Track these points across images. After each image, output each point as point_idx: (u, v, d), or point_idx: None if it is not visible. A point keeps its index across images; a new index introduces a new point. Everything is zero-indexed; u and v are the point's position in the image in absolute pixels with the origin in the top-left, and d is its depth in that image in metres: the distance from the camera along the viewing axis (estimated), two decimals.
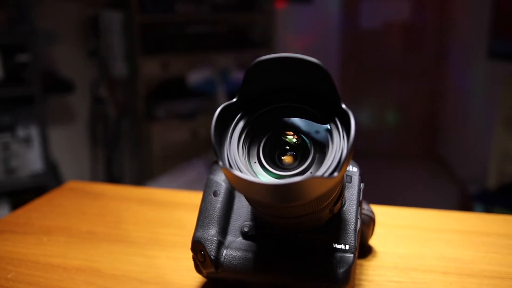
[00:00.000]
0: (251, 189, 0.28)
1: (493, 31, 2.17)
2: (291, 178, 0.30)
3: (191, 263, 0.45)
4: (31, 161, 1.86)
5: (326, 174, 0.29)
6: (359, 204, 0.39)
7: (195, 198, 0.64)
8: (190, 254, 0.47)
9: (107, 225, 0.54)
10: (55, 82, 2.02)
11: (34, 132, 1.84)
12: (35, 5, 1.83)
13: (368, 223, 0.44)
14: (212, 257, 0.36)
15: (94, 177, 2.32)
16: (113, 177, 2.33)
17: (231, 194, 0.40)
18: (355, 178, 0.39)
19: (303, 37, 3.20)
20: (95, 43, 2.16)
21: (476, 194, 2.01)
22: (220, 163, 0.29)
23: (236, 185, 0.29)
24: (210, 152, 2.56)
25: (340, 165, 0.29)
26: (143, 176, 2.41)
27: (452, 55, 3.03)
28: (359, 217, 0.38)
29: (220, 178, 0.40)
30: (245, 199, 0.40)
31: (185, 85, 2.44)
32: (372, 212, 0.45)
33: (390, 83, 3.31)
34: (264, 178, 0.31)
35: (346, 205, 0.38)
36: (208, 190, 0.40)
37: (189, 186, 2.20)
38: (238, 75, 2.64)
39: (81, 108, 2.28)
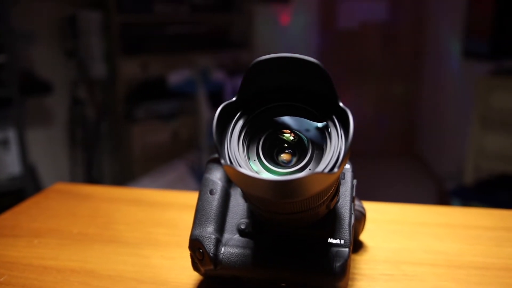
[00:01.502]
0: (254, 186, 0.28)
1: (467, 32, 2.23)
2: (294, 174, 0.30)
3: (186, 262, 0.45)
4: (9, 164, 1.82)
5: (326, 170, 0.30)
6: (352, 200, 0.40)
7: (185, 197, 0.64)
8: (185, 253, 0.47)
9: (99, 226, 0.54)
10: (32, 83, 1.98)
11: (11, 134, 1.80)
12: (11, 5, 1.79)
13: (359, 218, 0.46)
14: (211, 254, 0.37)
15: (73, 179, 2.29)
16: (93, 179, 2.30)
17: (227, 192, 0.41)
18: (348, 175, 0.40)
19: (281, 37, 3.22)
20: (73, 44, 2.12)
21: (453, 190, 2.06)
22: (222, 161, 0.30)
23: (239, 182, 0.29)
24: (191, 152, 2.55)
25: (339, 162, 0.30)
26: (123, 177, 2.39)
27: (428, 54, 3.10)
28: (352, 212, 0.39)
29: (216, 177, 0.41)
30: (241, 197, 0.41)
31: (165, 85, 2.43)
32: (363, 208, 0.46)
33: (367, 83, 3.36)
34: (265, 175, 0.32)
35: (340, 201, 0.39)
36: (204, 188, 0.41)
37: (171, 187, 2.19)
38: (218, 75, 2.64)
39: (60, 109, 2.24)
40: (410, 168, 3.17)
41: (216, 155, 0.42)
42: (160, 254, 0.47)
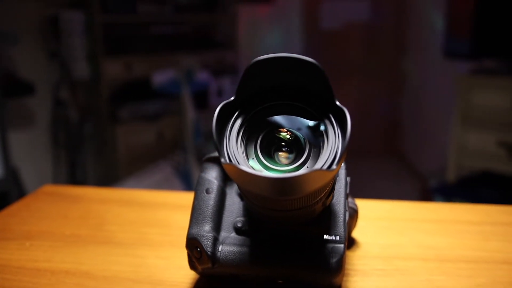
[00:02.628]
0: (254, 183, 0.29)
1: (448, 32, 2.27)
2: (296, 171, 0.31)
3: (181, 261, 0.45)
4: None
5: (324, 168, 0.30)
6: (346, 197, 0.40)
7: (176, 198, 0.64)
8: (179, 252, 0.47)
9: (91, 228, 0.54)
10: (14, 84, 1.95)
11: None
12: None
13: (352, 215, 0.46)
14: (208, 253, 0.37)
15: (57, 182, 2.26)
16: (77, 181, 2.28)
17: (223, 191, 0.41)
18: (342, 172, 0.41)
19: (265, 37, 3.23)
20: (56, 44, 2.10)
21: (435, 187, 2.09)
22: (222, 159, 0.30)
23: (239, 180, 0.30)
24: (176, 153, 2.54)
25: (337, 159, 0.30)
26: (108, 179, 2.37)
27: (410, 54, 3.15)
28: (347, 209, 0.40)
29: (211, 176, 0.41)
30: (236, 196, 0.41)
31: (149, 86, 2.41)
32: (356, 205, 0.47)
33: (351, 82, 3.40)
34: (265, 173, 0.33)
35: (334, 198, 0.39)
36: (200, 188, 0.41)
37: (156, 188, 2.17)
38: (202, 76, 2.63)
39: (42, 111, 2.21)
40: (393, 167, 3.22)
41: (211, 155, 0.43)
42: (154, 254, 0.47)
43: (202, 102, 2.65)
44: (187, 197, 0.64)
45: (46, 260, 0.46)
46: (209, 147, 2.65)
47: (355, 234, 0.51)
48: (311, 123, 0.34)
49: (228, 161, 0.32)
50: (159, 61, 2.46)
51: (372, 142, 3.44)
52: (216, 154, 0.42)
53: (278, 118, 0.34)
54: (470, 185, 1.97)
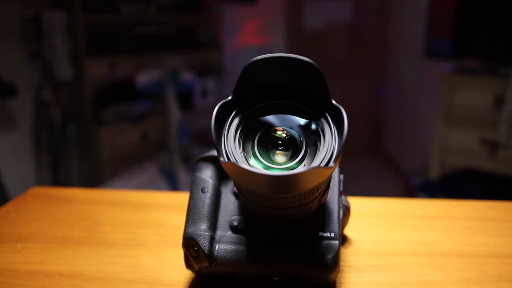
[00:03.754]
0: (255, 181, 0.29)
1: (430, 32, 2.30)
2: (294, 169, 0.31)
3: (176, 260, 0.46)
4: None
5: (322, 165, 0.31)
6: (340, 194, 0.41)
7: (169, 198, 0.64)
8: (174, 252, 0.48)
9: (83, 229, 0.53)
10: None
11: None
12: None
13: (345, 212, 0.47)
14: (206, 251, 0.37)
15: (40, 184, 2.22)
16: (60, 183, 2.25)
17: (218, 190, 0.41)
18: (335, 170, 0.42)
19: (249, 37, 3.23)
20: (38, 45, 2.07)
21: (419, 185, 2.13)
22: (221, 158, 0.31)
23: (239, 178, 0.30)
24: (161, 154, 2.52)
25: (334, 156, 0.31)
26: (92, 180, 2.34)
27: (393, 54, 3.19)
28: (341, 206, 0.41)
29: (206, 175, 0.42)
30: (231, 195, 0.41)
31: (133, 87, 2.39)
32: (348, 202, 0.48)
33: (334, 82, 3.42)
34: (265, 171, 0.33)
35: (329, 195, 0.40)
36: (195, 187, 0.41)
37: (142, 189, 2.16)
38: (187, 76, 2.62)
39: (24, 112, 2.17)
40: (377, 165, 3.25)
41: (206, 154, 0.43)
42: (149, 254, 0.47)
43: (187, 102, 2.65)
44: (179, 197, 0.65)
45: (39, 262, 0.46)
46: (194, 148, 2.64)
47: (347, 231, 0.52)
48: (307, 122, 0.34)
49: (226, 159, 0.32)
50: (143, 61, 2.44)
51: (355, 141, 3.47)
52: (210, 153, 0.43)
53: (275, 117, 0.35)
54: (453, 182, 2.00)
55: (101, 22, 2.25)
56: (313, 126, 0.34)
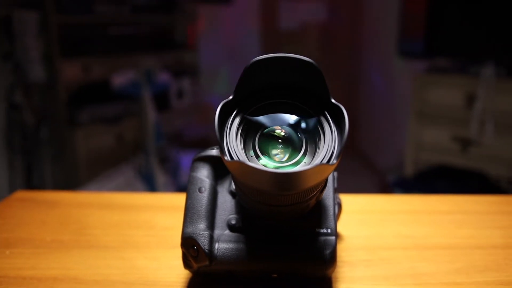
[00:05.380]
0: (260, 179, 0.30)
1: (402, 32, 2.36)
2: (295, 167, 0.32)
3: (172, 261, 0.46)
4: None
5: (324, 162, 0.32)
6: (335, 191, 0.42)
7: (157, 199, 0.64)
8: (168, 252, 0.48)
9: (73, 232, 0.53)
10: None
11: None
12: None
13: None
14: (206, 250, 0.37)
15: (12, 187, 2.16)
16: (33, 186, 2.19)
17: (215, 189, 0.42)
18: None
19: (224, 37, 3.23)
20: (9, 46, 2.01)
21: (394, 182, 2.17)
22: (226, 157, 0.31)
23: (244, 176, 0.31)
24: (138, 156, 2.50)
25: (336, 153, 0.32)
26: (67, 184, 2.29)
27: (366, 54, 3.24)
28: (335, 202, 0.42)
29: (203, 175, 0.42)
30: (228, 194, 0.42)
31: (108, 88, 2.36)
32: (340, 199, 0.49)
33: None
34: (272, 169, 0.34)
35: (324, 192, 0.41)
36: (192, 187, 0.41)
37: (119, 191, 2.13)
38: (162, 77, 2.60)
39: None
40: (353, 164, 3.30)
41: (201, 154, 0.43)
42: (143, 256, 0.47)
43: (163, 103, 2.62)
44: (168, 199, 0.65)
45: (30, 268, 0.45)
46: (171, 149, 2.62)
47: (338, 227, 0.52)
48: (307, 120, 0.35)
49: (230, 159, 0.32)
50: (118, 62, 2.41)
51: None
52: (205, 153, 0.43)
53: (275, 116, 0.35)
54: (427, 178, 2.05)
55: (75, 22, 2.21)
56: (313, 125, 0.35)
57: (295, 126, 0.35)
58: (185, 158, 2.67)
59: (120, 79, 2.40)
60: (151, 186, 2.36)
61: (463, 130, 1.97)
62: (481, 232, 0.52)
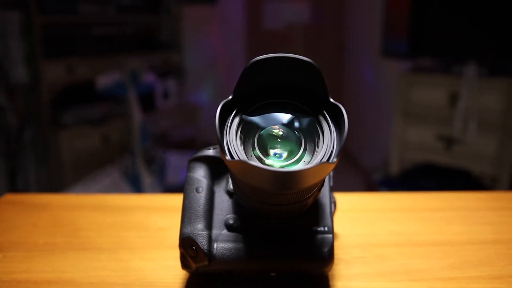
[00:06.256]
0: (262, 178, 0.30)
1: (386, 32, 2.39)
2: (295, 166, 0.32)
3: (168, 261, 0.46)
4: None
5: (324, 160, 0.32)
6: (331, 189, 0.43)
7: (150, 200, 0.64)
8: (164, 253, 0.48)
9: (66, 235, 0.52)
10: None
11: None
12: None
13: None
14: (205, 251, 0.38)
15: None
16: (17, 189, 2.16)
17: (212, 189, 0.42)
18: None
19: (209, 38, 3.23)
20: None
21: (380, 180, 2.20)
22: (227, 157, 0.31)
23: (246, 175, 0.31)
24: (124, 157, 2.48)
25: (336, 152, 0.32)
26: (53, 186, 2.26)
27: (350, 54, 3.27)
28: (332, 201, 0.42)
29: (199, 175, 0.42)
30: (225, 194, 0.42)
31: (93, 89, 2.33)
32: (335, 198, 0.49)
33: None
34: (275, 168, 0.34)
35: (321, 191, 0.41)
36: (190, 187, 0.41)
37: (105, 193, 2.11)
38: (148, 77, 2.59)
39: None
40: (338, 163, 3.32)
41: (197, 154, 0.43)
42: (139, 257, 0.47)
43: (148, 104, 2.61)
44: (161, 199, 0.64)
45: (24, 271, 0.45)
46: (157, 150, 2.61)
47: None
48: (306, 119, 0.35)
49: (230, 158, 0.33)
50: (103, 63, 2.38)
51: None
52: (201, 153, 0.43)
53: (275, 116, 0.36)
54: (412, 177, 2.08)
55: (58, 23, 2.18)
56: (312, 124, 0.35)
57: (294, 125, 0.36)
58: (171, 159, 2.66)
59: (105, 80, 2.38)
60: (137, 187, 2.35)
61: (446, 128, 2.01)
62: (471, 228, 0.53)
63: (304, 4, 3.39)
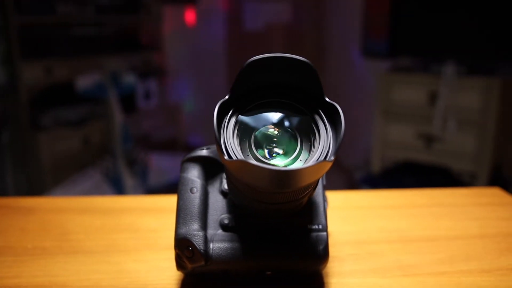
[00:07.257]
0: (261, 177, 0.30)
1: (366, 32, 2.42)
2: (292, 164, 0.33)
3: (161, 263, 0.46)
4: None
5: (321, 159, 0.32)
6: (323, 188, 0.43)
7: (138, 202, 0.63)
8: (157, 254, 0.47)
9: (55, 239, 0.51)
10: None
11: None
12: None
13: None
14: (201, 251, 0.37)
15: None
16: None
17: (206, 189, 0.42)
18: None
19: (190, 38, 3.21)
20: None
21: (362, 179, 2.23)
22: (225, 157, 0.31)
23: (244, 175, 0.31)
24: (105, 159, 2.44)
25: (332, 150, 0.33)
26: (32, 189, 2.22)
27: (330, 54, 3.30)
28: (325, 199, 0.43)
29: (193, 175, 0.42)
30: (219, 194, 0.42)
31: (72, 90, 2.29)
32: (327, 196, 0.50)
33: None
34: (275, 167, 0.34)
35: (315, 190, 0.42)
36: (184, 188, 0.41)
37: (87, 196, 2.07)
38: (129, 78, 2.56)
39: None
40: None
41: (191, 155, 0.43)
42: (132, 259, 0.46)
43: (129, 105, 2.58)
44: (151, 201, 0.64)
45: (14, 276, 0.44)
46: (138, 151, 2.58)
47: None
48: (302, 119, 0.36)
49: (229, 158, 0.32)
50: (82, 64, 2.35)
51: None
52: (195, 154, 0.43)
53: (271, 115, 0.36)
54: (394, 174, 2.11)
55: (36, 23, 2.14)
56: (308, 123, 0.35)
57: (290, 125, 0.36)
58: (153, 160, 2.64)
59: (84, 81, 2.34)
60: (119, 189, 2.32)
61: (426, 127, 2.04)
62: (459, 223, 0.54)
63: (284, 4, 3.40)
